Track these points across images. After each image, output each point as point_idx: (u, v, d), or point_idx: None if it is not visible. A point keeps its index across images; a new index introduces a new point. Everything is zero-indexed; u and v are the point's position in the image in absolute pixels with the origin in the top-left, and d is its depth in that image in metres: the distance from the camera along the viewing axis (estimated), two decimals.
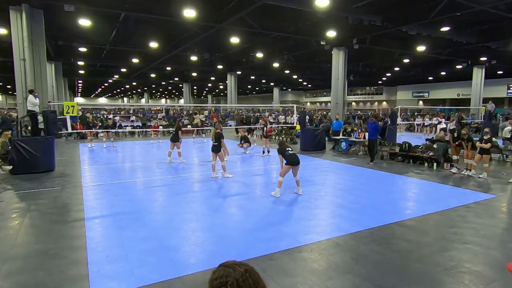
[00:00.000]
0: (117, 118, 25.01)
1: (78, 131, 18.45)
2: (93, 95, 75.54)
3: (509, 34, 16.72)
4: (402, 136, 17.76)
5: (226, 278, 1.09)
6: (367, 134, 13.63)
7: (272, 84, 47.78)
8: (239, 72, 31.19)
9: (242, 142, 14.42)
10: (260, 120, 21.04)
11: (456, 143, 10.02)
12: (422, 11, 13.36)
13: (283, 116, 27.77)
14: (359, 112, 40.82)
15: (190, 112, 31.46)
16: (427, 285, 3.68)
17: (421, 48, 19.45)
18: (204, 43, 20.30)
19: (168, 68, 30.49)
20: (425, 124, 21.44)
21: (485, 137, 9.24)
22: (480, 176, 9.21)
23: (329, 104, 27.34)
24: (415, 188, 8.29)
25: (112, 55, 23.62)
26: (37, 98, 10.36)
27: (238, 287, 1.08)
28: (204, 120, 23.34)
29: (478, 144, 9.30)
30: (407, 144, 11.89)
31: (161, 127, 20.21)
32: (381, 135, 12.82)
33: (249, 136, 15.33)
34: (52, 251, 4.42)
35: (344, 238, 4.92)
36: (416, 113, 32.20)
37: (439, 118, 21.41)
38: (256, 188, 8.22)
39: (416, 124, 24.72)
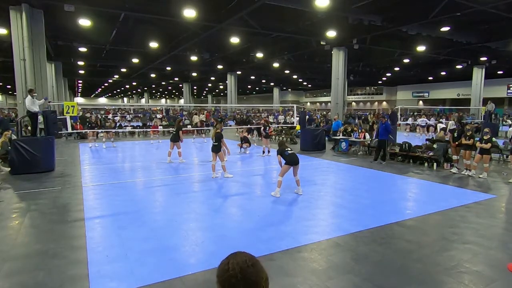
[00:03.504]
0: (117, 118, 25.02)
1: (78, 131, 18.45)
2: (93, 95, 75.52)
3: (509, 34, 16.72)
4: (401, 136, 17.74)
5: (230, 264, 1.13)
6: (367, 134, 13.70)
7: (272, 84, 47.79)
8: (239, 72, 31.20)
9: (242, 142, 14.42)
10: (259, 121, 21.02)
11: (456, 143, 10.02)
12: (422, 11, 13.36)
13: (283, 116, 27.78)
14: (359, 112, 40.71)
15: (191, 112, 31.45)
16: (427, 285, 3.68)
17: (421, 48, 19.46)
18: (204, 43, 20.31)
19: (168, 68, 30.50)
20: (421, 124, 21.41)
21: (485, 137, 9.24)
22: (480, 176, 9.21)
23: (329, 104, 27.34)
24: (415, 188, 8.29)
25: (112, 55, 23.63)
26: (35, 99, 10.21)
27: (238, 270, 1.11)
28: (204, 120, 23.36)
29: (478, 144, 9.30)
30: (407, 144, 11.89)
31: (160, 127, 20.20)
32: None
33: (249, 136, 15.33)
34: (52, 251, 4.42)
35: (344, 238, 4.92)
36: (415, 113, 32.21)
37: (426, 120, 21.45)
38: (256, 188, 8.22)
39: (416, 124, 24.70)
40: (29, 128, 10.82)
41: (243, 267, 1.10)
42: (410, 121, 25.08)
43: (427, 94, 42.82)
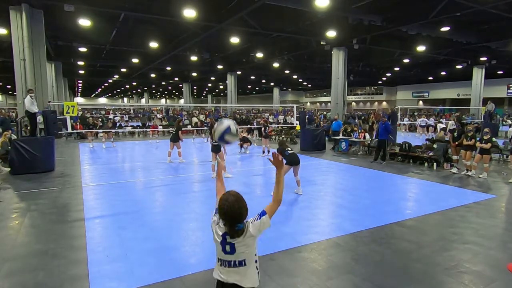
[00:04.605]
0: (117, 118, 25.04)
1: (78, 131, 18.47)
2: (93, 95, 75.47)
3: (509, 34, 16.71)
4: (401, 136, 17.74)
5: (224, 202, 2.00)
6: (367, 134, 13.70)
7: (272, 84, 47.76)
8: (239, 72, 31.17)
9: (242, 142, 14.42)
10: (259, 120, 21.03)
11: (456, 143, 10.02)
12: (422, 11, 13.35)
13: (283, 116, 27.78)
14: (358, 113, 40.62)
15: (190, 112, 31.47)
16: (427, 285, 3.68)
17: (421, 48, 19.45)
18: (204, 43, 20.30)
19: (168, 68, 30.48)
20: (421, 124, 21.42)
21: (485, 137, 9.24)
22: (480, 176, 9.21)
23: (329, 104, 27.34)
24: (415, 188, 8.29)
25: (112, 55, 23.61)
26: (34, 99, 10.20)
27: (228, 206, 2.00)
28: (204, 120, 23.37)
29: (478, 144, 9.29)
30: (407, 144, 11.89)
31: (160, 127, 20.20)
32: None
33: (248, 136, 15.35)
34: (52, 251, 4.42)
35: (344, 238, 4.92)
36: (415, 113, 32.22)
37: (426, 120, 21.48)
38: (256, 188, 8.22)
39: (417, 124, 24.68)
40: (29, 128, 10.83)
41: (232, 208, 1.98)
42: (406, 120, 25.04)
43: (427, 94, 42.81)
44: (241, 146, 14.34)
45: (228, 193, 2.02)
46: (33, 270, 3.92)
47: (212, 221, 2.11)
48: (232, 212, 1.96)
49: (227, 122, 2.68)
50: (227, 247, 2.01)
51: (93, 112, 32.03)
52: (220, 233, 2.02)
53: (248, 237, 1.99)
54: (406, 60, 25.13)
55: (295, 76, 37.18)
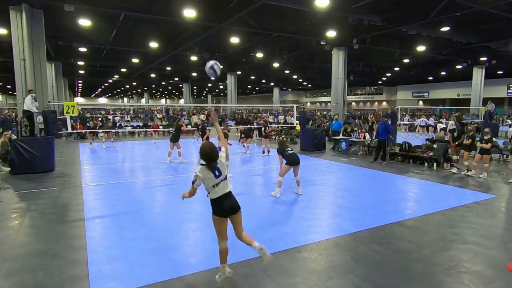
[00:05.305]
0: (117, 118, 25.04)
1: (78, 131, 18.47)
2: (93, 95, 75.53)
3: (509, 34, 16.73)
4: (401, 136, 17.74)
5: (202, 149, 3.41)
6: (367, 134, 13.70)
7: (272, 84, 47.81)
8: (239, 72, 31.19)
9: (243, 136, 14.35)
10: (259, 120, 21.03)
11: (456, 143, 10.02)
12: (422, 11, 13.38)
13: (283, 116, 27.78)
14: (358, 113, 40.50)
15: (190, 112, 31.49)
16: (427, 285, 3.68)
17: (421, 48, 19.47)
18: (204, 43, 20.33)
19: (168, 68, 30.52)
20: (421, 124, 21.42)
21: (485, 137, 9.23)
22: (480, 176, 9.21)
23: (329, 104, 27.35)
24: (415, 188, 8.29)
25: (112, 55, 23.64)
26: (33, 99, 10.28)
27: (205, 151, 3.41)
28: (204, 120, 23.35)
29: (478, 144, 9.29)
30: (407, 144, 11.89)
31: (161, 127, 20.21)
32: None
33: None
34: (52, 251, 4.42)
35: (344, 238, 4.92)
36: (415, 113, 32.22)
37: (426, 120, 21.49)
38: (256, 188, 8.21)
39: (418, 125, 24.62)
40: (29, 128, 10.82)
41: (208, 151, 3.38)
42: (406, 120, 25.05)
43: (427, 94, 42.84)
44: (239, 141, 14.32)
45: (207, 142, 3.44)
46: (33, 270, 3.92)
47: (200, 169, 3.41)
48: (208, 155, 3.35)
49: (212, 61, 4.24)
50: (216, 172, 3.41)
51: (92, 112, 31.98)
52: (210, 171, 3.39)
53: (222, 162, 3.46)
54: (406, 60, 25.16)
55: (295, 76, 37.22)
